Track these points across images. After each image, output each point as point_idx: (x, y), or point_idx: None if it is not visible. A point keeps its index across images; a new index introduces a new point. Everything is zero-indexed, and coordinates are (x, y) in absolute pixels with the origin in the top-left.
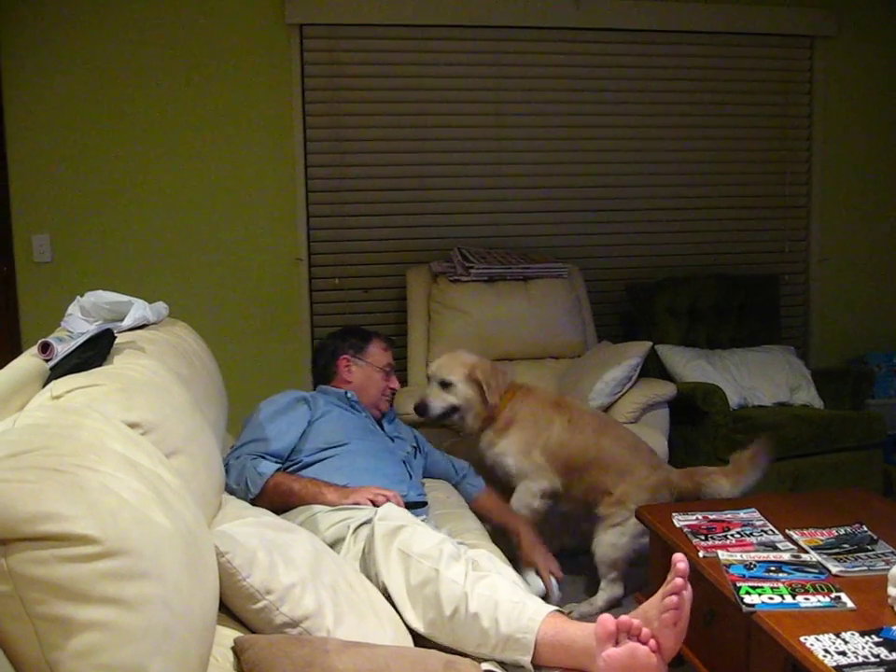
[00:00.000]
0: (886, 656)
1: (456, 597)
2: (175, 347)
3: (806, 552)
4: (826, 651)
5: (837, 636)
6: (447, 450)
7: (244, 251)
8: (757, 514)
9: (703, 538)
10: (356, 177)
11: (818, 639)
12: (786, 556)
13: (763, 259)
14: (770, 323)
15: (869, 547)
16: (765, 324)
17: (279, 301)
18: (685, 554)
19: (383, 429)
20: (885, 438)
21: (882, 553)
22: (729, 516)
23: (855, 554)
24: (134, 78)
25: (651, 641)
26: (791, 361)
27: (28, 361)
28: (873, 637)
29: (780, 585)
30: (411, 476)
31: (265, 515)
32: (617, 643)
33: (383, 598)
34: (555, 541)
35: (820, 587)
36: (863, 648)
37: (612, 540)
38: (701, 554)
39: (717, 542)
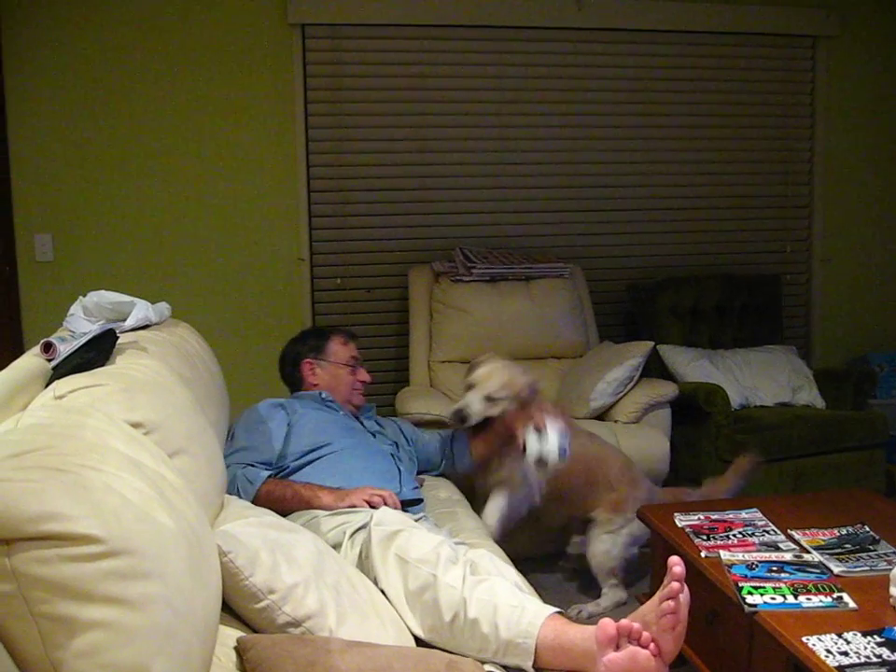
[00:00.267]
0: (888, 656)
1: (455, 603)
2: (178, 348)
3: (808, 552)
4: (828, 651)
5: (839, 636)
6: None
7: (246, 251)
8: (759, 514)
9: (705, 538)
10: (358, 177)
11: (820, 639)
12: (788, 556)
13: (765, 258)
14: (772, 323)
15: (871, 547)
16: (767, 324)
17: (281, 302)
18: (687, 554)
19: (363, 426)
20: (887, 438)
21: (884, 554)
22: (731, 516)
23: (857, 555)
24: (136, 78)
25: (652, 645)
26: (793, 361)
27: (30, 361)
28: (875, 637)
29: (782, 585)
30: (401, 471)
31: (268, 515)
32: (618, 647)
33: (384, 599)
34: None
35: (822, 587)
36: (865, 648)
37: (605, 548)
38: (703, 554)
39: (719, 542)
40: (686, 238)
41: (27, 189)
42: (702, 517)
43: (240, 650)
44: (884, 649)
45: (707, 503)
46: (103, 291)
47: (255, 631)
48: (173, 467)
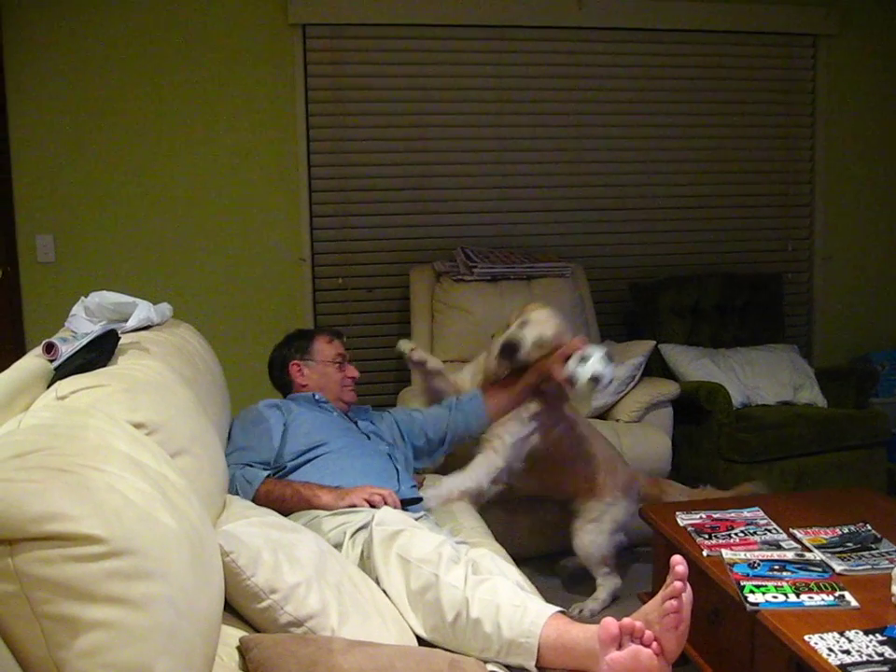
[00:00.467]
0: (890, 655)
1: (457, 603)
2: (179, 348)
3: (810, 550)
4: (830, 649)
5: (841, 634)
6: None
7: (247, 251)
8: (761, 513)
9: (707, 536)
10: (359, 177)
11: (822, 638)
12: (790, 555)
13: (766, 257)
14: (773, 322)
15: (873, 546)
16: (769, 323)
17: (283, 302)
18: (689, 553)
19: (357, 427)
20: (889, 436)
21: (886, 552)
22: (733, 515)
23: (859, 553)
24: (137, 79)
25: (654, 644)
26: (795, 360)
27: (32, 362)
28: (877, 635)
29: (784, 584)
30: (398, 470)
31: (270, 515)
32: (620, 646)
33: (386, 598)
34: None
35: (824, 586)
36: (867, 646)
37: (591, 538)
38: (705, 553)
39: (721, 541)
40: (687, 237)
41: (28, 190)
42: (704, 516)
43: (242, 649)
44: (886, 647)
45: (709, 502)
46: (104, 292)
47: (257, 631)
48: (175, 467)
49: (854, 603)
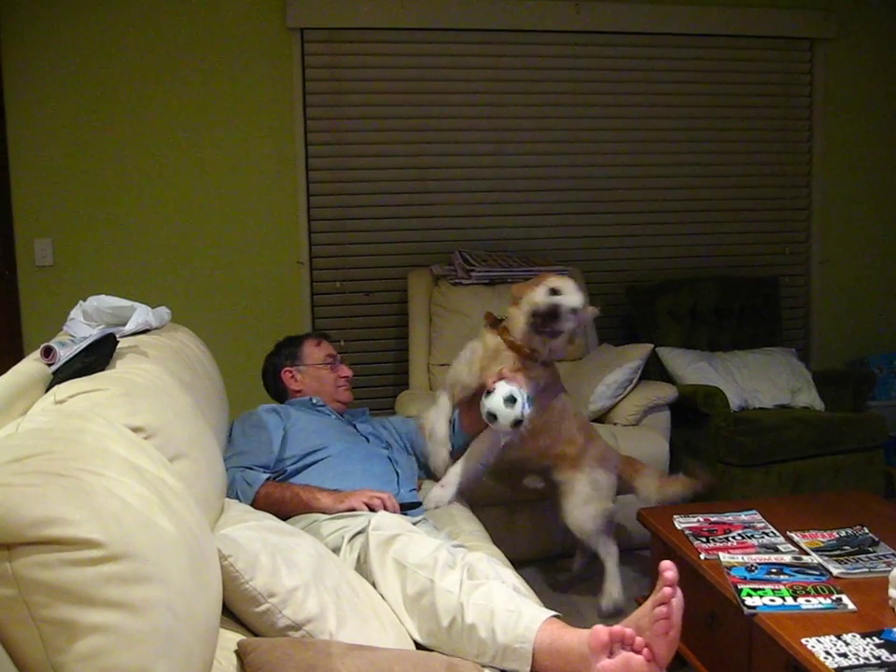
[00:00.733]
0: (887, 658)
1: (452, 608)
2: (178, 352)
3: (808, 553)
4: (827, 652)
5: (838, 637)
6: None
7: (245, 255)
8: (758, 516)
9: (704, 540)
10: (357, 180)
11: (819, 641)
12: (787, 558)
13: (763, 261)
14: (771, 325)
15: (870, 549)
16: (766, 326)
17: (281, 305)
18: (686, 557)
19: (356, 430)
20: (886, 440)
21: (883, 555)
22: (730, 518)
23: (856, 556)
24: (135, 83)
25: (645, 650)
26: (792, 363)
27: (31, 366)
28: (874, 638)
29: (782, 587)
30: (398, 473)
31: (268, 519)
32: (611, 653)
33: (384, 602)
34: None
35: (821, 589)
36: (864, 649)
37: (582, 511)
38: (702, 556)
39: (718, 544)
40: (685, 240)
41: (27, 194)
42: (701, 519)
43: (240, 653)
44: (883, 650)
45: (707, 505)
46: (103, 296)
47: (255, 634)
48: (173, 471)
49: (851, 606)
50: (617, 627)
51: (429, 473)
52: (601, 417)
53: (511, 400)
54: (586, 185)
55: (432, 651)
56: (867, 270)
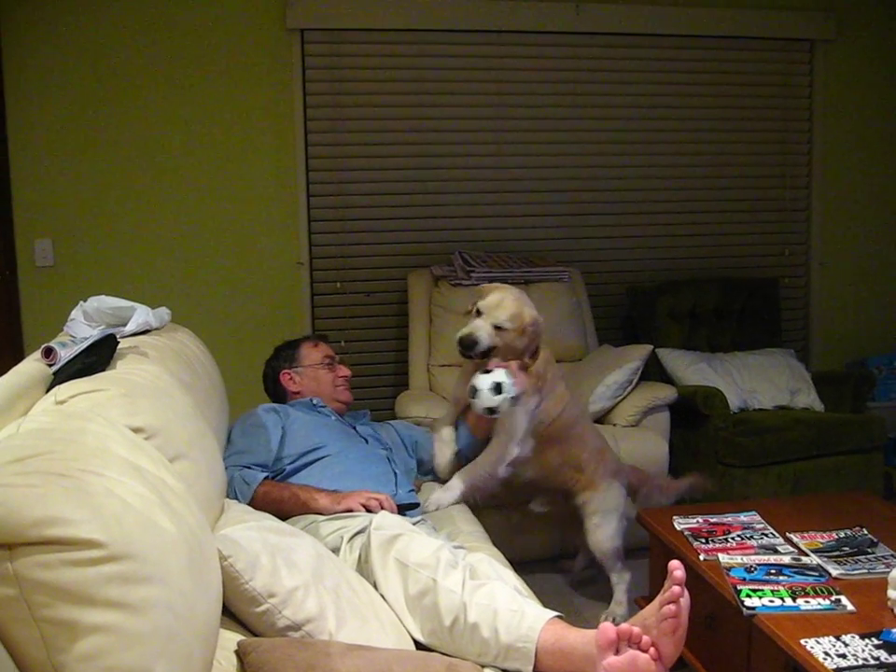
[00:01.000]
0: (886, 659)
1: (455, 607)
2: (178, 352)
3: (807, 554)
4: (826, 653)
5: (837, 638)
6: None
7: (245, 255)
8: (758, 517)
9: (703, 541)
10: (357, 181)
11: (818, 642)
12: (786, 559)
13: (763, 262)
14: (770, 326)
15: (869, 550)
16: (766, 327)
17: (281, 306)
18: (686, 558)
19: (356, 431)
20: (885, 441)
21: (882, 556)
22: (730, 519)
23: (855, 557)
24: (136, 84)
25: (652, 649)
26: (792, 364)
27: (31, 366)
28: (873, 639)
29: (781, 588)
30: (396, 474)
31: (268, 520)
32: (618, 651)
33: (384, 602)
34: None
35: (821, 590)
36: (863, 650)
37: (604, 532)
38: (702, 557)
39: (717, 545)
40: (685, 242)
41: (27, 195)
42: (700, 520)
43: (240, 653)
44: (882, 651)
45: (706, 506)
46: (103, 296)
47: (255, 635)
48: (173, 471)
49: (850, 607)
50: (624, 626)
51: (435, 477)
52: (601, 418)
53: (497, 386)
54: (586, 186)
55: (433, 650)
56: (867, 271)
